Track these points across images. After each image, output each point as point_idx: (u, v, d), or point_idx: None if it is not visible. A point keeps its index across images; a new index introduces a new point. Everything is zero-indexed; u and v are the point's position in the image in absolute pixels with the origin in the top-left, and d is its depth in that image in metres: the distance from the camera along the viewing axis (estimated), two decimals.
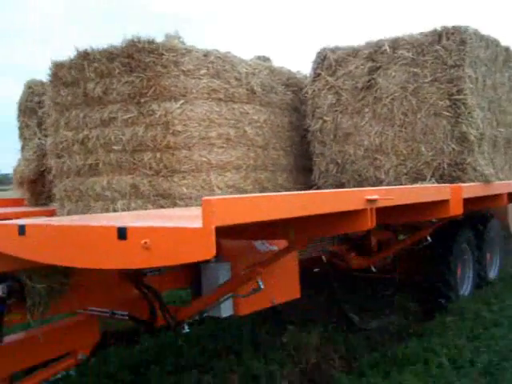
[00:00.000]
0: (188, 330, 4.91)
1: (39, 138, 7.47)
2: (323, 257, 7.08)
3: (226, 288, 4.81)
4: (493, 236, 9.68)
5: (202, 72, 5.80)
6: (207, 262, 5.26)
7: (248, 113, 6.33)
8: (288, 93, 6.99)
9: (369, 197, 3.90)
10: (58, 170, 6.33)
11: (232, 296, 5.02)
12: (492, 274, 9.75)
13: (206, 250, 2.77)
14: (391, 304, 7.74)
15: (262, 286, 4.68)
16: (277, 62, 7.39)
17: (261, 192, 6.50)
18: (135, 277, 4.77)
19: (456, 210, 5.27)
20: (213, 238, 2.74)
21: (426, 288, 8.00)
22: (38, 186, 7.54)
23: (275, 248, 5.29)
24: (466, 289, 8.59)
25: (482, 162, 5.94)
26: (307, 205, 3.43)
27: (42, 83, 7.69)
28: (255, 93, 6.40)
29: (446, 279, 7.86)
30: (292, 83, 7.10)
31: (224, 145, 6.04)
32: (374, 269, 7.26)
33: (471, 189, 5.62)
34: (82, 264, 3.31)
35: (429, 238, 7.05)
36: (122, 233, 3.01)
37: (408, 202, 4.46)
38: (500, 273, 9.97)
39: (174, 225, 2.97)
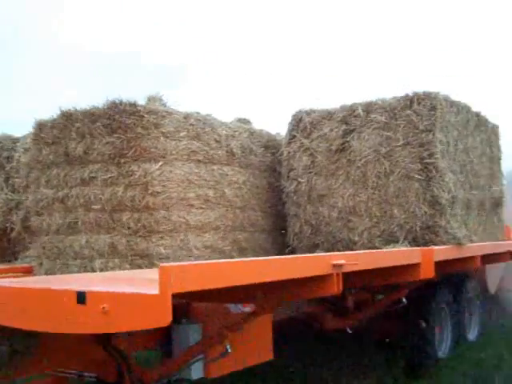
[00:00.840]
0: None
1: (6, 194, 7.42)
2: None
3: (196, 350, 4.76)
4: (471, 297, 9.66)
5: (182, 134, 5.90)
6: (178, 323, 5.27)
7: (227, 174, 6.41)
8: (267, 155, 7.10)
9: (335, 262, 3.91)
10: (37, 227, 6.35)
11: (202, 358, 4.98)
12: (472, 334, 9.70)
13: (163, 317, 2.76)
14: (368, 365, 7.66)
15: (230, 350, 4.64)
16: (257, 125, 7.51)
17: (239, 252, 6.52)
18: (103, 338, 4.71)
19: (427, 273, 5.27)
20: (169, 305, 2.73)
21: (404, 350, 7.93)
22: (2, 242, 7.45)
23: (249, 310, 5.25)
24: (444, 350, 8.52)
25: (455, 224, 5.99)
26: (270, 271, 3.44)
27: (11, 138, 7.71)
28: (235, 155, 6.50)
29: (423, 341, 7.80)
30: (271, 145, 7.20)
31: (203, 205, 6.09)
32: (349, 330, 7.20)
33: (443, 252, 5.63)
34: (42, 328, 3.29)
35: (404, 300, 7.02)
36: (81, 297, 2.99)
37: (375, 266, 4.47)
38: (481, 333, 9.94)
39: (132, 290, 2.96)
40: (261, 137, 7.07)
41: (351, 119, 6.24)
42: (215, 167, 6.27)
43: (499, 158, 7.86)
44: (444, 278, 8.62)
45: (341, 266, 3.94)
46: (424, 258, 5.23)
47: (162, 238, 5.70)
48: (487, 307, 10.79)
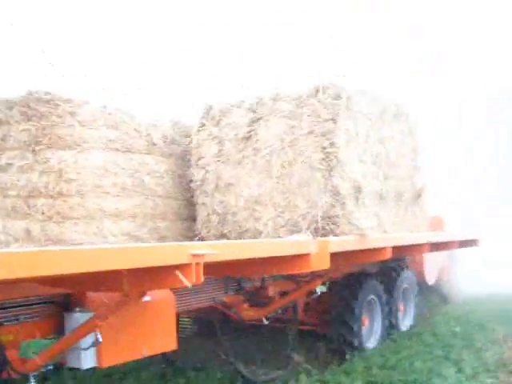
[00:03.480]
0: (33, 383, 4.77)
1: None
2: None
3: (71, 338, 4.71)
4: (406, 287, 9.68)
5: (100, 123, 6.00)
6: (71, 311, 5.21)
7: (148, 163, 6.46)
8: None
9: (194, 251, 3.86)
10: None
11: (93, 347, 4.91)
12: (405, 324, 9.73)
13: None
14: (287, 356, 7.63)
15: (101, 340, 4.59)
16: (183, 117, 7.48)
17: (159, 240, 6.50)
18: None
19: (322, 264, 5.21)
20: None
21: (327, 341, 7.92)
22: None
23: (148, 298, 5.20)
24: (373, 341, 8.52)
25: (359, 215, 5.93)
26: (103, 261, 3.36)
27: None
28: (156, 144, 6.54)
29: (346, 332, 7.79)
30: None
31: (120, 193, 6.16)
32: (265, 321, 7.15)
33: (340, 242, 5.56)
34: None
35: (318, 291, 6.99)
36: None
37: (244, 257, 4.40)
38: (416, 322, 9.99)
39: None
40: (185, 127, 7.09)
41: (259, 107, 6.18)
42: (134, 156, 6.32)
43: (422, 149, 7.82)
44: (373, 269, 8.63)
45: (201, 256, 3.89)
46: (319, 249, 5.17)
47: (76, 224, 5.79)
48: (424, 298, 10.85)
